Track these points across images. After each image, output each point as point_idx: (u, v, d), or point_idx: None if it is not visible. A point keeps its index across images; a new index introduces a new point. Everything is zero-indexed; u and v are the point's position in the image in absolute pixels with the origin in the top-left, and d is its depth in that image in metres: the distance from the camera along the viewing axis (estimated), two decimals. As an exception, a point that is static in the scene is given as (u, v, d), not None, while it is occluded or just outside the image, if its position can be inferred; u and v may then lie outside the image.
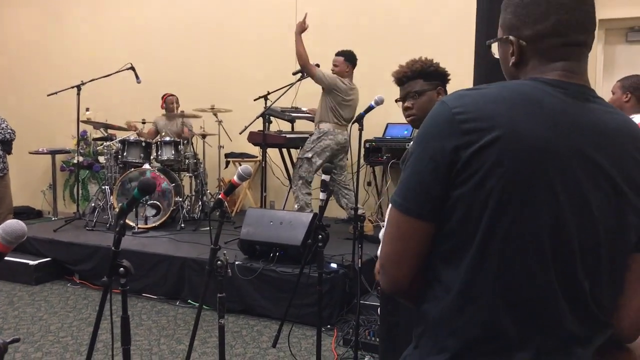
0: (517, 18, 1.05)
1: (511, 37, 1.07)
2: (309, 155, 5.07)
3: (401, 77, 2.25)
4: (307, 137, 5.62)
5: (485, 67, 2.01)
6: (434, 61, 2.25)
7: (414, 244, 1.03)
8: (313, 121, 5.96)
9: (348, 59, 5.11)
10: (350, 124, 4.95)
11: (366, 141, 5.47)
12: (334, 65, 5.11)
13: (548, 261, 0.96)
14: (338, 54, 5.14)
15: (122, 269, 1.74)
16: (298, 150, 6.13)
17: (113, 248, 1.75)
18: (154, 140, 5.80)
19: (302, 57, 4.92)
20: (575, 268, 0.98)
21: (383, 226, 2.25)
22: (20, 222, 1.35)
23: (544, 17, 1.02)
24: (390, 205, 1.92)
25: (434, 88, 2.23)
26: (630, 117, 3.25)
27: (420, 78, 2.22)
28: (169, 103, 6.28)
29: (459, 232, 0.99)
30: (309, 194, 5.11)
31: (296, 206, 5.14)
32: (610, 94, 3.56)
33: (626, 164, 1.00)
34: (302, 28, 4.96)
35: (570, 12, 1.02)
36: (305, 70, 4.98)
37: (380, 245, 1.99)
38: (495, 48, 1.15)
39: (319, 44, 5.90)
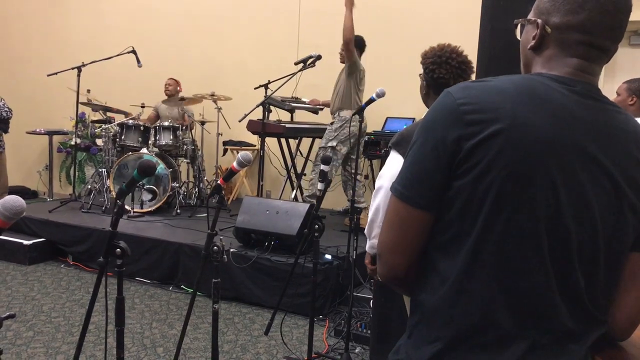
0: (552, 4, 1.04)
1: (539, 21, 1.06)
2: (334, 143, 4.99)
3: None
4: (306, 128, 5.61)
5: (488, 59, 2.01)
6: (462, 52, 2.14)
7: (412, 232, 1.04)
8: (313, 112, 5.96)
9: (355, 43, 5.09)
10: (351, 115, 4.94)
11: (366, 134, 5.47)
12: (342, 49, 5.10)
13: (545, 255, 0.97)
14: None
15: (118, 249, 1.74)
16: (296, 141, 6.13)
17: (111, 228, 1.74)
18: (152, 125, 5.78)
19: (348, 30, 4.82)
20: (572, 263, 0.98)
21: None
22: (19, 198, 1.35)
23: (577, 10, 1.01)
24: (374, 190, 1.94)
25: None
26: None
27: None
28: (165, 86, 6.27)
29: (458, 222, 0.99)
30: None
31: (307, 192, 5.10)
32: (610, 97, 3.55)
33: (628, 163, 1.00)
34: (351, 2, 4.87)
35: (604, 14, 1.00)
36: (347, 45, 4.89)
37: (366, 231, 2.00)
38: (518, 30, 1.14)
39: (321, 35, 5.90)
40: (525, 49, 1.11)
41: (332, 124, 5.12)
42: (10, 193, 6.11)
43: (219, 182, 2.26)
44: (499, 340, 0.99)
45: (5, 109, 5.80)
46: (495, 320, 0.98)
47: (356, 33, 5.19)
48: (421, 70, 2.05)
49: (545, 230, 0.96)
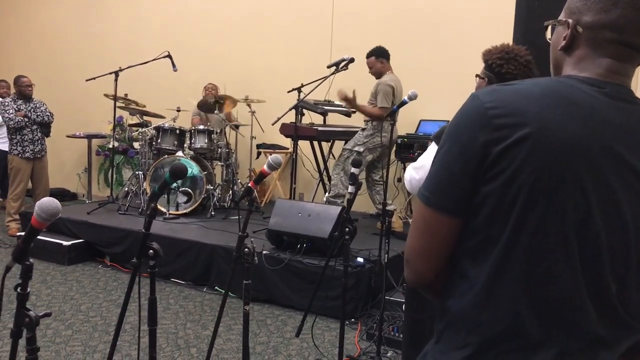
0: (584, 3, 1.02)
1: (570, 21, 1.04)
2: (360, 149, 5.03)
3: None
4: (339, 131, 5.62)
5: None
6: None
7: (440, 238, 1.03)
8: (345, 115, 5.96)
9: (378, 55, 5.07)
10: (383, 119, 4.92)
11: (398, 137, 5.44)
12: (369, 68, 5.10)
13: (575, 260, 0.95)
14: (367, 55, 5.10)
15: (151, 250, 1.77)
16: (329, 143, 6.14)
17: (144, 230, 1.78)
18: (188, 129, 5.88)
19: (373, 116, 4.98)
20: (603, 268, 0.96)
21: None
22: (55, 200, 1.39)
23: (610, 8, 0.99)
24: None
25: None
26: None
27: None
28: (209, 90, 6.37)
29: (486, 228, 0.98)
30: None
31: (330, 193, 5.12)
32: None
33: None
34: (349, 99, 5.03)
35: (638, 11, 0.98)
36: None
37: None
38: (549, 31, 1.12)
39: (354, 38, 5.90)
40: (555, 50, 1.09)
41: (363, 130, 5.13)
42: (50, 195, 6.30)
43: (249, 185, 2.29)
44: (527, 345, 0.97)
45: (47, 113, 5.98)
46: (524, 326, 0.96)
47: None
48: (478, 71, 2.05)
49: (575, 235, 0.94)
